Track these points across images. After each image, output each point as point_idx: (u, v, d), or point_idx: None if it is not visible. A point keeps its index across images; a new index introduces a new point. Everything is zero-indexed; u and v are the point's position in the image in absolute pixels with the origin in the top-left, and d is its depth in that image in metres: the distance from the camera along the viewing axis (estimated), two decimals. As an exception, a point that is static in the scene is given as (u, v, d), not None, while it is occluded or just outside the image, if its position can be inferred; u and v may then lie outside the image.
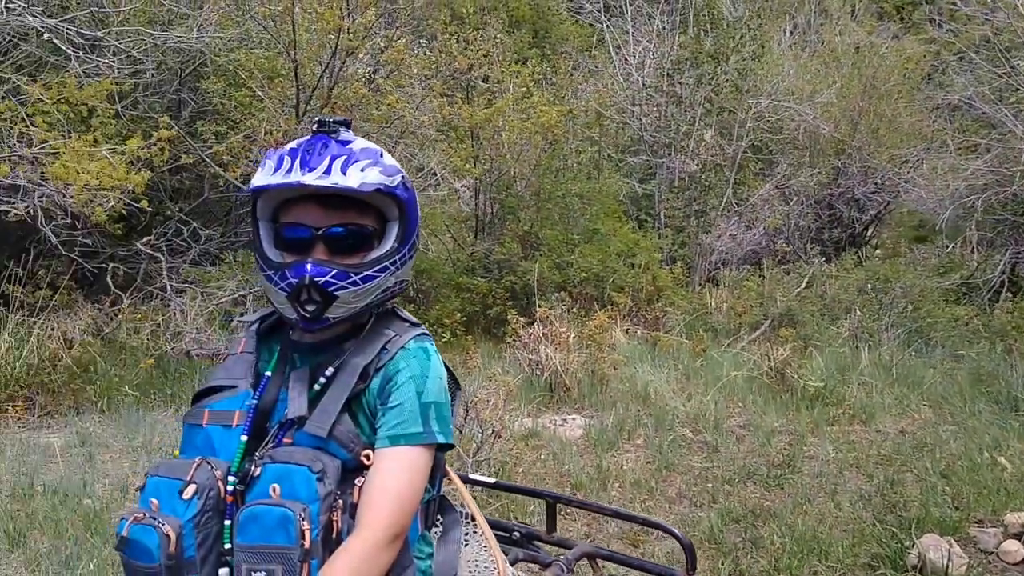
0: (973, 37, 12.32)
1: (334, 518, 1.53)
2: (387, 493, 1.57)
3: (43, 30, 7.18)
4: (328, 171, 1.57)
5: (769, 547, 4.23)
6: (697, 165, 10.89)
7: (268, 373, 1.69)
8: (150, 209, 7.39)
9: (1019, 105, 10.47)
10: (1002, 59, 10.72)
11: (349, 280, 1.61)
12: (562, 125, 9.01)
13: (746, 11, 13.05)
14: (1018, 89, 10.46)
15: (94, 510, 4.29)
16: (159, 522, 1.50)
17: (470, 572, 1.84)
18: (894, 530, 4.31)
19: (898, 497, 4.82)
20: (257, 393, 1.66)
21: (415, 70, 8.52)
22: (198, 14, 8.42)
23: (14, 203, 6.49)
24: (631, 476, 5.10)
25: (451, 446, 1.67)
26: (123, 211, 6.91)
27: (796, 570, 4.01)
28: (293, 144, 1.63)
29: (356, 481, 1.58)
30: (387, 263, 1.66)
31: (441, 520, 1.85)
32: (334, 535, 1.53)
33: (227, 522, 1.56)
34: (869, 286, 8.98)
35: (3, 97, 6.67)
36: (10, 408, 5.81)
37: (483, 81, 9.20)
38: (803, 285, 9.41)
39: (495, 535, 1.90)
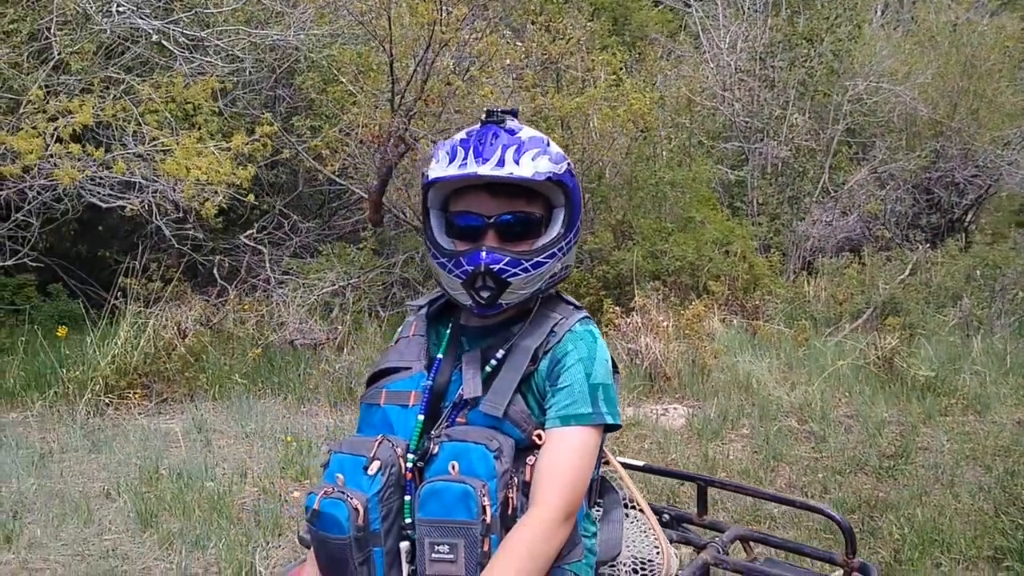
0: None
1: (510, 495, 1.57)
2: (561, 472, 1.60)
3: (151, 31, 7.46)
4: (502, 162, 1.60)
5: (888, 538, 4.13)
6: (790, 150, 10.65)
7: (440, 356, 1.74)
8: (254, 203, 7.61)
9: None
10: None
11: (521, 267, 1.64)
12: (653, 112, 8.92)
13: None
14: None
15: (217, 492, 4.45)
16: (348, 496, 1.55)
17: (629, 551, 1.85)
18: (1020, 522, 4.16)
19: (1020, 489, 4.65)
20: (431, 374, 1.70)
21: (507, 61, 8.55)
22: (293, 12, 8.63)
23: (129, 199, 6.77)
24: (738, 466, 5.03)
25: (619, 426, 1.69)
26: (224, 205, 7.13)
27: (918, 562, 3.90)
28: (462, 135, 1.67)
29: (528, 460, 1.62)
30: (554, 249, 1.69)
31: (601, 500, 1.87)
32: (510, 512, 1.56)
33: (407, 498, 1.61)
34: (977, 272, 8.65)
35: (117, 97, 6.95)
36: (130, 395, 6.06)
37: (573, 70, 9.18)
38: (906, 272, 9.12)
39: (648, 517, 1.91)
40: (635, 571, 1.82)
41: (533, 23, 9.10)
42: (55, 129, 6.39)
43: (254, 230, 8.42)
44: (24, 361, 6.59)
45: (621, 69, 9.19)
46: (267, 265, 8.00)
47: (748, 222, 9.73)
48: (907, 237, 11.15)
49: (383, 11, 7.63)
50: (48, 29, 7.07)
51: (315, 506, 1.56)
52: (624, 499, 1.91)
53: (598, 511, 1.85)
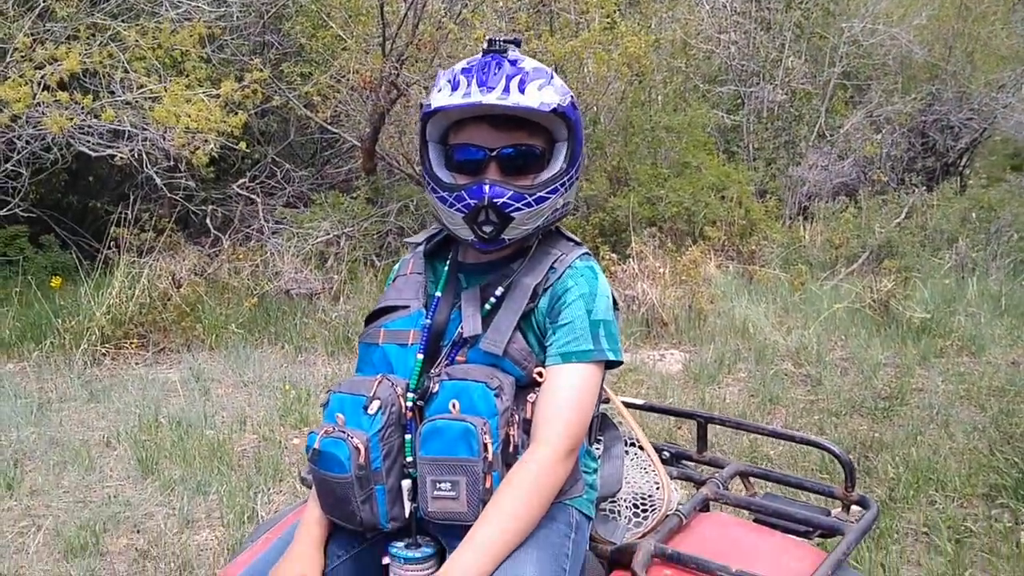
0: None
1: (511, 432, 1.56)
2: (562, 409, 1.59)
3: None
4: (507, 91, 1.56)
5: (883, 477, 4.17)
6: (786, 94, 10.53)
7: (438, 294, 1.72)
8: (245, 152, 7.52)
9: None
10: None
11: (524, 201, 1.61)
12: (648, 56, 8.78)
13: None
14: None
15: (217, 440, 4.47)
16: (348, 435, 1.55)
17: (629, 487, 1.85)
18: (1014, 460, 4.20)
19: (1014, 428, 4.69)
20: (430, 313, 1.69)
21: (499, 3, 8.39)
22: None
23: (119, 148, 6.68)
24: (735, 409, 5.06)
25: (620, 363, 1.68)
26: (215, 154, 7.05)
27: (913, 500, 3.95)
28: (464, 64, 1.62)
29: (528, 397, 1.61)
30: (557, 184, 1.66)
31: (602, 437, 1.88)
32: (511, 449, 1.56)
33: (408, 436, 1.60)
34: (973, 215, 8.64)
35: (104, 44, 6.81)
36: (127, 345, 6.06)
37: (567, 12, 9.01)
38: (902, 216, 9.09)
39: (648, 455, 1.91)
40: (635, 506, 1.83)
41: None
42: (42, 77, 6.28)
43: (246, 179, 8.33)
44: (19, 312, 6.57)
45: (616, 11, 9.03)
46: (260, 215, 7.95)
47: (744, 167, 9.66)
48: (903, 180, 11.09)
49: (372, -48, 7.47)
50: (32, -25, 6.92)
51: (316, 445, 1.56)
52: (624, 436, 1.91)
53: (599, 447, 1.86)
